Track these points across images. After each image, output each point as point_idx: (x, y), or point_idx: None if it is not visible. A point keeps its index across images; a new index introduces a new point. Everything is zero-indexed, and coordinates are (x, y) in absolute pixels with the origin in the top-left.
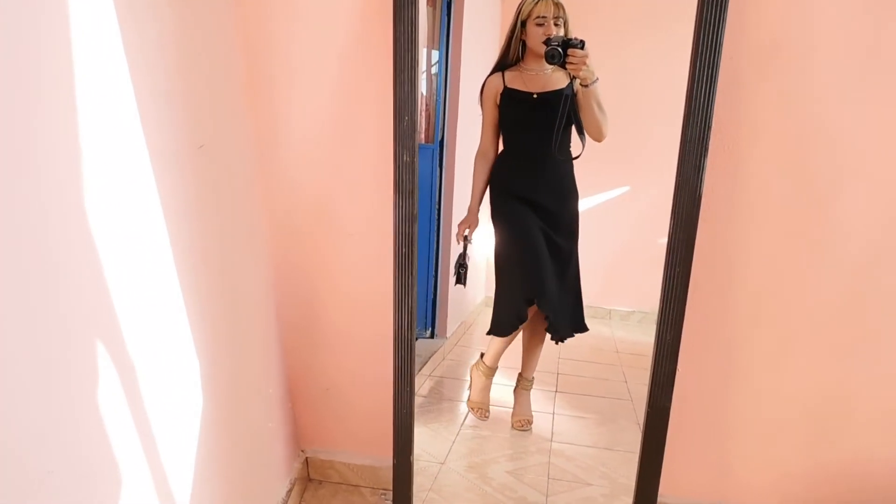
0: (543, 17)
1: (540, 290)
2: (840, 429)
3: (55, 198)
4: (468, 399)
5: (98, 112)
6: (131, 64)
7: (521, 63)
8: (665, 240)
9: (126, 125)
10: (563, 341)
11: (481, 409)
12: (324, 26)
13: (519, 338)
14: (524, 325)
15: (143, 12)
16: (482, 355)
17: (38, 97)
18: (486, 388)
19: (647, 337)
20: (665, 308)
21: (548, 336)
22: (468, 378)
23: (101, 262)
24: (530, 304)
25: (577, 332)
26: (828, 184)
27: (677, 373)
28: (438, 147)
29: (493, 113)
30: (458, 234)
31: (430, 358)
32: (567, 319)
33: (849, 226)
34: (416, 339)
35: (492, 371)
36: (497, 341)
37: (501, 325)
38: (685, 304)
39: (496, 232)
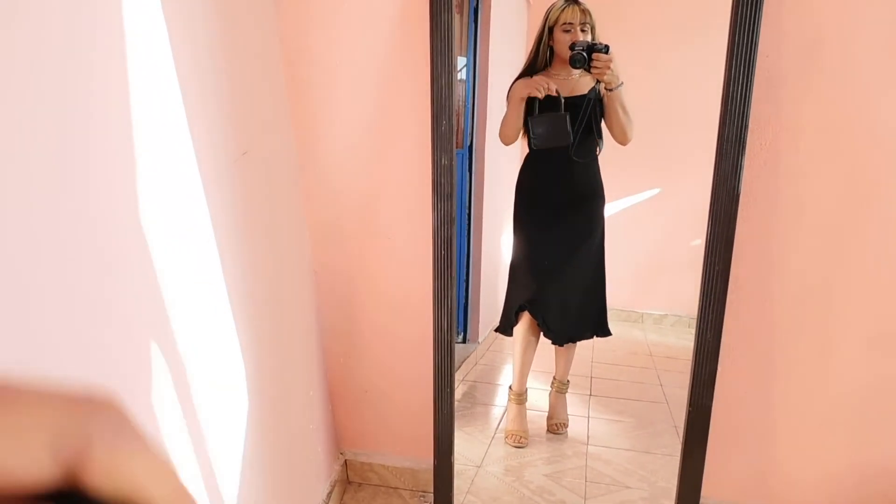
0: (570, 23)
1: (532, 298)
2: (886, 428)
3: (111, 205)
4: (505, 429)
5: (149, 121)
6: (180, 76)
7: (549, 68)
8: (699, 241)
9: (175, 133)
10: (561, 345)
11: (517, 436)
12: (362, 35)
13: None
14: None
15: (191, 27)
16: (510, 387)
17: (94, 108)
18: (521, 415)
19: (680, 340)
20: (705, 307)
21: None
22: (501, 382)
23: (154, 266)
24: (523, 309)
25: (598, 336)
26: (872, 179)
27: (718, 371)
28: (468, 152)
29: (519, 108)
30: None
31: (462, 362)
32: (567, 324)
33: (893, 221)
34: (455, 341)
35: (521, 397)
36: (516, 365)
37: (501, 326)
38: (725, 303)
39: (514, 237)
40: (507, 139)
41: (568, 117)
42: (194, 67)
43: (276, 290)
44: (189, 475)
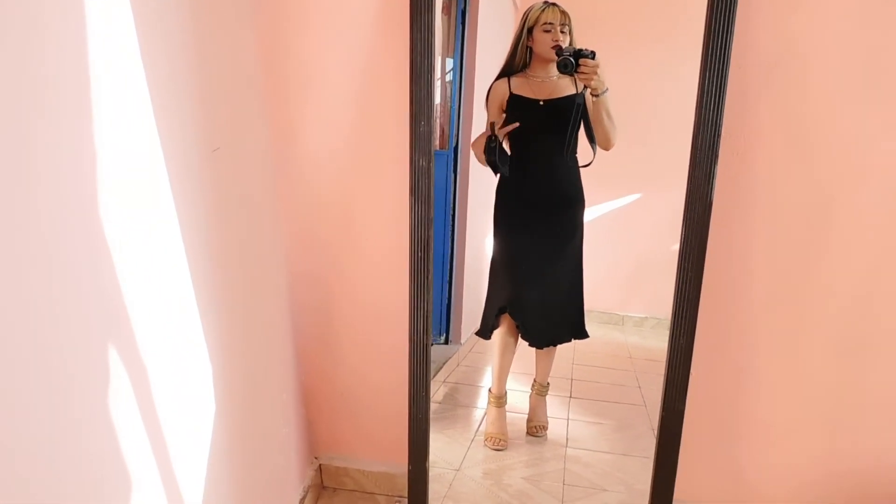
0: (550, 23)
1: (512, 300)
2: (855, 431)
3: (69, 201)
4: (485, 431)
5: (113, 112)
6: (146, 64)
7: (527, 69)
8: (678, 246)
9: (141, 126)
10: (540, 348)
11: (496, 438)
12: (340, 33)
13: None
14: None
15: (160, 15)
16: (490, 389)
17: (52, 97)
18: (501, 418)
19: (660, 343)
20: (678, 312)
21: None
22: (482, 384)
23: (114, 266)
24: (503, 311)
25: (575, 339)
26: (835, 187)
27: (691, 376)
28: (453, 153)
29: (498, 117)
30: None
31: (444, 364)
32: (546, 328)
33: (858, 227)
34: (431, 344)
35: (501, 399)
36: (495, 368)
37: (481, 330)
38: (698, 308)
39: (494, 240)
40: (482, 160)
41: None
42: (162, 57)
43: (247, 291)
44: (151, 485)
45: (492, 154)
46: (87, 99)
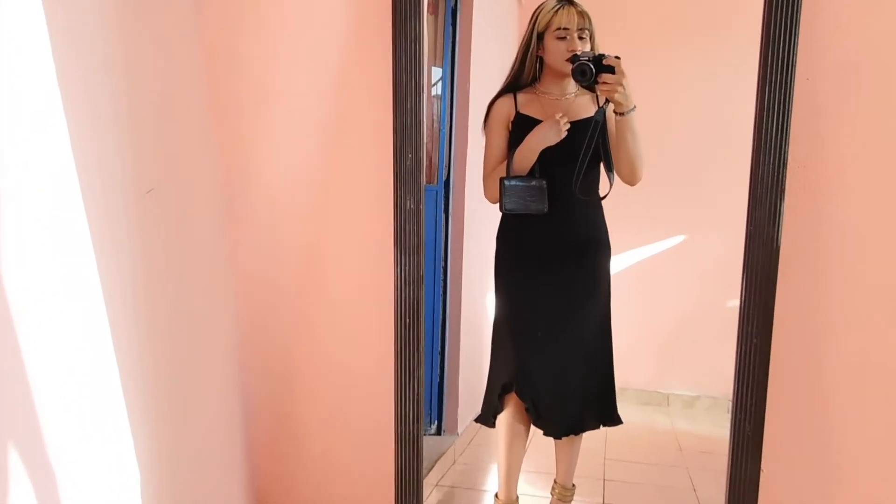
0: (566, 28)
1: (519, 375)
2: None
3: None
4: None
5: (18, 149)
6: (62, 86)
7: (537, 84)
8: (736, 302)
9: (54, 167)
10: (559, 437)
11: None
12: (308, 43)
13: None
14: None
15: (83, 25)
16: (496, 495)
17: None
18: None
19: (718, 429)
20: (741, 390)
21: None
22: (487, 489)
23: (18, 342)
24: (508, 390)
25: (605, 425)
26: None
27: (762, 474)
28: (444, 189)
29: (503, 139)
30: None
31: (436, 461)
32: (564, 410)
33: None
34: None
35: None
36: (502, 464)
37: (483, 415)
38: (767, 386)
39: (496, 298)
40: (495, 198)
41: (545, 183)
42: (80, 77)
43: (188, 370)
44: None
45: (519, 204)
46: None
